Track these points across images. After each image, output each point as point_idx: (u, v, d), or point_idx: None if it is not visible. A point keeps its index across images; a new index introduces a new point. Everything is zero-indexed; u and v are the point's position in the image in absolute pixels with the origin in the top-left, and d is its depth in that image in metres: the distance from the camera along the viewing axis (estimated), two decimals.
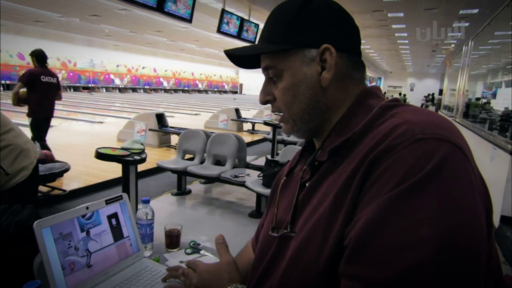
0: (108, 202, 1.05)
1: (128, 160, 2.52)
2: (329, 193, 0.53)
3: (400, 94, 24.73)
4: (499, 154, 4.01)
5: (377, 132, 0.51)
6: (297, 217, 0.59)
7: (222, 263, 0.71)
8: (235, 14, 6.88)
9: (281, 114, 0.65)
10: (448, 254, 0.40)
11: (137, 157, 2.58)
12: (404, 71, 31.63)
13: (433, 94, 23.16)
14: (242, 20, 6.95)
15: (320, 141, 0.64)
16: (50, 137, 4.67)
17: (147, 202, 1.21)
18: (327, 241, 0.50)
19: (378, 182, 0.46)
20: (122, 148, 2.70)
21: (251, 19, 7.45)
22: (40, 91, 4.22)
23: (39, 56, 4.35)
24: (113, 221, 1.06)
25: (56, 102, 4.53)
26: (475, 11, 8.32)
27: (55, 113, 4.60)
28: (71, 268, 0.90)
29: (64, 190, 3.61)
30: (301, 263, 0.53)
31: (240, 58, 0.69)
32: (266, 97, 0.65)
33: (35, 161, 2.00)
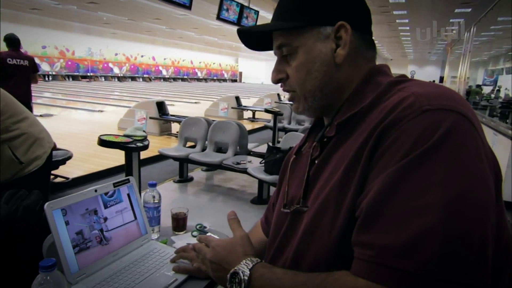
0: (116, 185, 1.06)
1: (131, 147, 2.53)
2: (339, 167, 0.55)
3: None
4: (500, 140, 4.02)
5: (384, 106, 0.52)
6: (309, 193, 0.61)
7: (236, 237, 0.71)
8: (235, 1, 6.78)
9: (293, 92, 0.65)
10: (456, 218, 0.41)
11: (139, 144, 2.59)
12: (405, 59, 31.42)
13: (433, 81, 23.09)
14: (242, 7, 6.86)
15: (329, 119, 0.65)
16: (50, 126, 4.66)
17: (153, 185, 1.22)
18: (339, 213, 0.52)
19: (387, 152, 0.47)
20: (125, 135, 2.71)
21: (251, 6, 7.35)
22: (8, 74, 4.19)
23: (9, 40, 4.35)
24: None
25: (51, 91, 4.51)
26: None
27: (55, 102, 4.59)
28: (98, 240, 0.97)
29: (67, 178, 3.62)
30: (315, 236, 0.55)
31: (251, 38, 0.70)
32: (279, 75, 0.65)
33: (48, 150, 2.00)
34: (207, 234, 1.27)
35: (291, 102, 0.68)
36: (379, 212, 0.45)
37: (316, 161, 0.62)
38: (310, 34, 0.60)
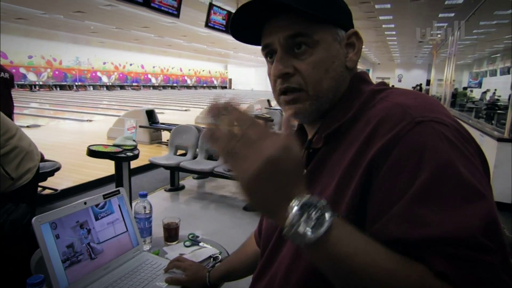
0: (106, 196, 1.05)
1: (121, 156, 2.51)
2: (330, 178, 0.54)
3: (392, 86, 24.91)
4: (487, 141, 4.10)
5: (371, 116, 0.52)
6: None
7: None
8: (222, 8, 6.82)
9: (299, 91, 0.58)
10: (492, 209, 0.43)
11: (129, 154, 2.57)
12: (392, 62, 31.92)
13: (420, 84, 23.47)
14: (229, 14, 6.90)
15: (313, 124, 0.63)
16: (38, 137, 4.60)
17: (144, 196, 1.20)
18: None
19: (394, 170, 0.46)
20: (114, 145, 2.68)
21: None
22: None
23: None
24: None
25: (38, 101, 4.50)
26: (460, 1, 8.42)
27: (42, 113, 4.54)
28: (89, 253, 0.95)
29: (56, 190, 3.56)
30: None
31: (247, 20, 0.59)
32: (286, 69, 0.57)
33: (37, 163, 1.99)
34: (200, 243, 1.26)
35: (288, 104, 0.59)
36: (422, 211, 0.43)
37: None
38: (329, 32, 0.58)
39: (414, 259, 0.41)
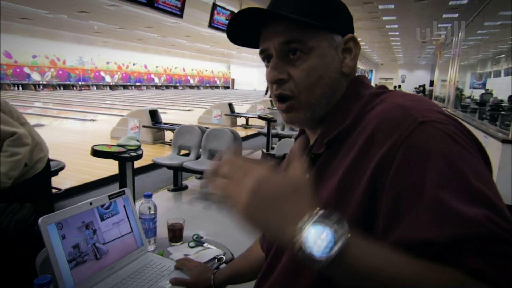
0: (111, 197, 1.05)
1: (125, 156, 2.51)
2: (332, 182, 0.54)
3: (395, 87, 24.78)
4: (491, 143, 4.08)
5: (370, 118, 0.52)
6: None
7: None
8: (226, 8, 6.83)
9: (291, 98, 0.59)
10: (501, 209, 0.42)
11: (133, 154, 2.57)
12: (395, 63, 31.83)
13: (423, 85, 23.37)
14: (233, 14, 6.91)
15: (314, 129, 0.64)
16: (42, 136, 4.61)
17: (149, 197, 1.21)
18: None
19: (403, 171, 0.45)
20: (118, 145, 2.69)
21: None
22: None
23: None
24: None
25: (42, 100, 4.49)
26: (464, 1, 8.38)
27: (46, 112, 4.55)
28: (94, 253, 0.95)
29: (60, 189, 3.57)
30: None
31: (245, 24, 0.61)
32: (280, 75, 0.58)
33: (47, 154, 2.09)
34: (204, 244, 1.26)
35: (284, 112, 0.61)
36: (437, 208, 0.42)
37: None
38: (325, 38, 0.58)
39: (440, 260, 0.40)
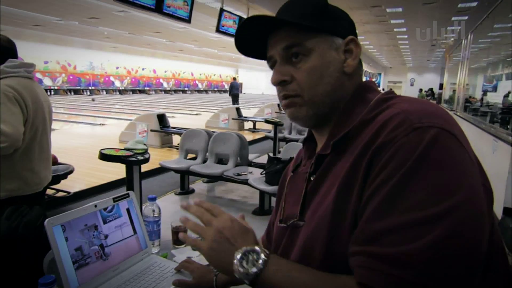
0: (116, 200, 1.07)
1: (132, 160, 2.54)
2: (334, 183, 0.55)
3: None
4: (501, 146, 4.02)
5: (375, 123, 0.53)
6: (306, 209, 0.61)
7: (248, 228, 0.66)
8: (233, 13, 6.88)
9: (295, 97, 0.62)
10: (453, 230, 0.42)
11: (140, 157, 2.59)
12: (404, 66, 31.56)
13: (431, 89, 23.11)
14: (240, 19, 6.96)
15: (320, 132, 0.66)
16: (52, 140, 4.69)
17: (153, 199, 1.22)
18: (337, 229, 0.52)
19: (382, 172, 0.48)
20: (125, 149, 2.72)
21: None
22: None
23: None
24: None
25: (53, 105, 4.53)
26: (474, 4, 8.29)
27: (57, 116, 4.62)
28: (97, 256, 0.96)
29: (69, 192, 3.63)
30: (314, 250, 0.55)
31: (250, 35, 0.65)
32: (283, 77, 0.62)
33: (43, 183, 2.11)
34: None
35: (286, 108, 0.64)
36: (379, 226, 0.46)
37: (312, 178, 0.62)
38: (324, 40, 0.61)
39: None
